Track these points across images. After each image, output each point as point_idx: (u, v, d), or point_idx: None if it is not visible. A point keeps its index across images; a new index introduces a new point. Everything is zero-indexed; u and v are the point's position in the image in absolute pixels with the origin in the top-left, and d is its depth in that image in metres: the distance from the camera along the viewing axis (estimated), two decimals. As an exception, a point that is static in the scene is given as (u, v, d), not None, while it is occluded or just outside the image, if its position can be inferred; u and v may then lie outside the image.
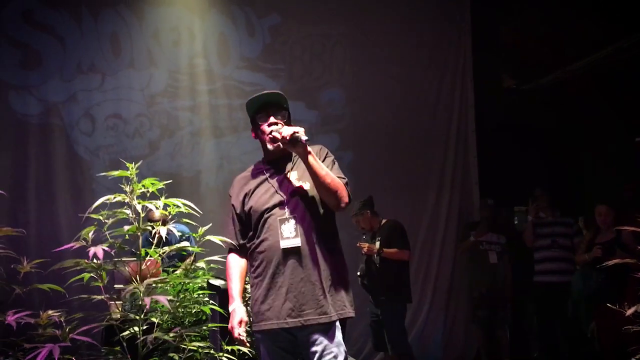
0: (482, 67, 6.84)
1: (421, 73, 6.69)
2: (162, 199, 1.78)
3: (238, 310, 2.40)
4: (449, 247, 6.51)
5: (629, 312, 1.78)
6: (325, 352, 2.36)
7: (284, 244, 2.39)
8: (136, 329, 1.71)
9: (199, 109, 6.30)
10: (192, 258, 2.12)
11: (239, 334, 2.35)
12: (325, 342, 2.36)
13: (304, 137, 2.34)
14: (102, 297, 1.71)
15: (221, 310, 2.10)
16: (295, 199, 2.47)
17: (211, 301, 2.32)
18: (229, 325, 2.37)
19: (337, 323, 2.42)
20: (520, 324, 6.17)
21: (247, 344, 2.13)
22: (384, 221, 5.18)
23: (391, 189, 6.24)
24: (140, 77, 6.20)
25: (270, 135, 2.48)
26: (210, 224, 2.22)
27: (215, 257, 2.06)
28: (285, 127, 2.44)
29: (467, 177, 6.68)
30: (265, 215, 2.45)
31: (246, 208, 2.52)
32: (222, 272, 3.90)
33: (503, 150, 6.81)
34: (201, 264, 2.07)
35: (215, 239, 2.04)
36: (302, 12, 6.55)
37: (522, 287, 5.93)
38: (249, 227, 2.53)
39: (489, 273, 5.74)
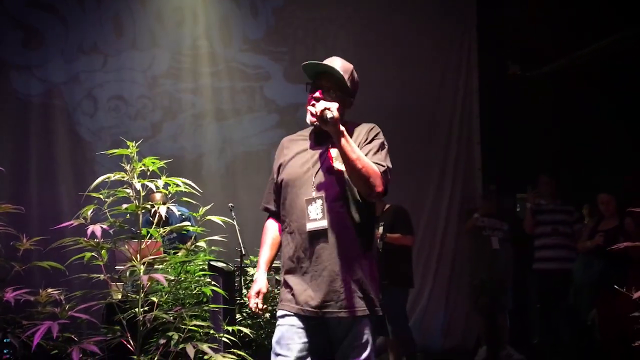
0: (487, 53, 6.80)
1: (426, 58, 6.65)
2: (163, 177, 1.76)
3: (258, 280, 2.31)
4: (450, 233, 6.50)
5: (637, 295, 1.76)
6: (347, 351, 2.23)
7: (310, 226, 2.23)
8: (136, 309, 1.70)
9: (202, 91, 6.28)
10: (193, 240, 2.11)
11: (256, 305, 2.25)
12: (347, 340, 2.23)
13: (329, 115, 2.15)
14: (103, 276, 1.70)
15: (222, 292, 2.08)
16: (329, 178, 2.29)
17: (213, 282, 2.31)
18: (248, 294, 2.29)
19: (365, 320, 2.24)
20: (521, 311, 6.18)
21: (264, 315, 2.08)
22: (387, 206, 5.16)
23: (394, 174, 6.20)
24: (143, 59, 6.19)
25: (308, 110, 2.32)
26: (212, 204, 2.20)
27: (217, 237, 2.04)
28: (321, 102, 2.23)
29: (470, 163, 6.66)
30: (294, 192, 2.30)
31: (279, 178, 2.38)
32: (223, 254, 3.94)
33: (506, 136, 6.78)
34: (202, 243, 2.05)
35: (217, 219, 2.03)
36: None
37: (523, 273, 5.93)
38: (279, 194, 2.40)
39: (490, 259, 5.73)
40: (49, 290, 1.78)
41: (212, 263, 3.30)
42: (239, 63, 6.32)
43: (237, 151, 6.17)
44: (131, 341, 1.69)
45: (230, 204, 4.59)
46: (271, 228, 2.44)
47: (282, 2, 6.49)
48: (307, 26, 6.51)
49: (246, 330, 1.93)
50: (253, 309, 2.28)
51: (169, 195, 1.82)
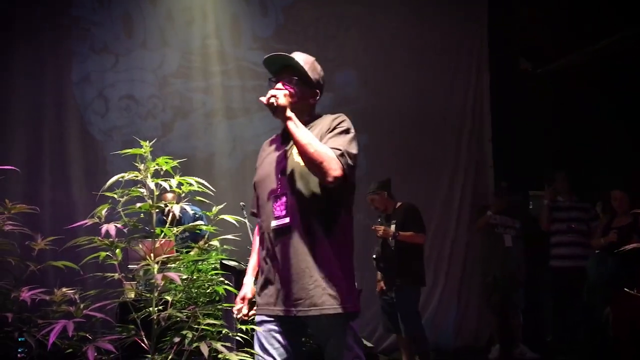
0: (497, 50, 6.77)
1: (436, 55, 6.64)
2: (177, 177, 1.76)
3: (245, 285, 2.30)
4: (462, 231, 6.49)
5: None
6: (332, 353, 2.18)
7: (274, 223, 2.20)
8: (150, 308, 1.71)
9: (212, 90, 6.30)
10: (206, 238, 2.11)
11: (238, 310, 2.24)
12: (330, 341, 2.18)
13: (273, 101, 2.16)
14: (117, 275, 1.71)
15: (235, 291, 2.08)
16: (292, 173, 2.24)
17: (226, 281, 2.31)
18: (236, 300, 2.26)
19: (342, 319, 2.17)
20: (534, 309, 6.15)
21: (248, 321, 2.08)
22: (399, 204, 5.15)
23: (405, 171, 6.21)
24: (153, 58, 6.21)
25: (259, 100, 2.26)
26: (225, 204, 2.20)
27: (229, 236, 2.04)
28: (270, 90, 2.22)
29: (482, 161, 6.64)
30: (264, 192, 2.30)
31: (254, 180, 2.40)
32: (235, 252, 3.95)
33: (518, 133, 6.74)
34: (215, 242, 2.05)
35: (230, 218, 2.03)
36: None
37: (536, 271, 5.89)
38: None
39: (503, 256, 5.70)
40: (64, 289, 1.79)
41: (224, 262, 3.30)
42: (249, 62, 6.33)
43: (248, 150, 6.17)
44: (145, 340, 1.70)
45: (241, 203, 4.59)
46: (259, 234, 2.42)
47: (292, 0, 6.50)
48: (318, 24, 6.51)
49: (259, 329, 1.92)
50: (236, 315, 2.27)
51: (182, 195, 1.82)
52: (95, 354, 1.53)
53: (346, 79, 6.46)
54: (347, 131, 2.28)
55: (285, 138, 2.34)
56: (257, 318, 2.23)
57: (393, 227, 4.94)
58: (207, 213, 2.05)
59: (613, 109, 6.77)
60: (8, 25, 5.83)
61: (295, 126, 2.18)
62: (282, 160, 2.29)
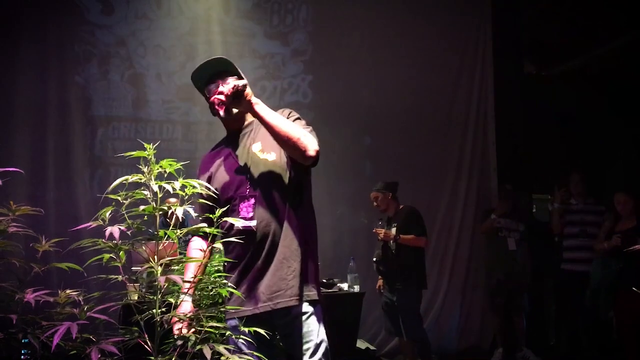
0: (502, 52, 6.77)
1: (441, 58, 6.65)
2: (180, 179, 1.77)
3: (183, 304, 2.06)
4: (466, 233, 6.49)
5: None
6: (304, 340, 2.19)
7: (239, 224, 2.18)
8: (153, 310, 1.71)
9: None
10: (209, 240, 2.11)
11: (179, 330, 1.89)
12: (302, 328, 2.19)
13: (241, 82, 2.14)
14: (120, 277, 1.71)
15: (238, 293, 2.09)
16: (258, 173, 2.26)
17: (229, 283, 2.32)
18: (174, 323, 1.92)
19: (314, 307, 2.23)
20: (538, 312, 6.14)
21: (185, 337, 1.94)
22: (400, 207, 5.15)
23: (409, 174, 6.21)
24: (160, 60, 6.25)
25: (216, 102, 2.23)
26: (228, 206, 2.22)
27: (233, 239, 2.05)
28: (228, 83, 2.21)
29: (486, 163, 6.65)
30: (232, 194, 2.26)
31: (213, 187, 2.26)
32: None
33: (522, 136, 6.74)
34: (218, 244, 2.06)
35: (233, 220, 2.04)
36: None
37: (539, 274, 5.87)
38: (214, 209, 2.18)
39: (507, 260, 5.69)
40: (68, 291, 1.80)
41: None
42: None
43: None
44: (148, 342, 1.70)
45: None
46: (195, 246, 2.31)
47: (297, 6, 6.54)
48: (323, 26, 6.53)
49: (261, 331, 1.93)
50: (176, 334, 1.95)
51: (186, 197, 1.82)
52: (99, 356, 1.54)
53: (350, 81, 6.47)
54: (299, 118, 2.33)
55: (239, 140, 2.35)
56: (230, 323, 2.18)
57: (394, 230, 4.94)
58: (212, 216, 2.05)
59: (620, 110, 6.76)
60: (13, 24, 5.85)
61: (264, 108, 2.19)
62: (248, 160, 2.29)
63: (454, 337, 6.34)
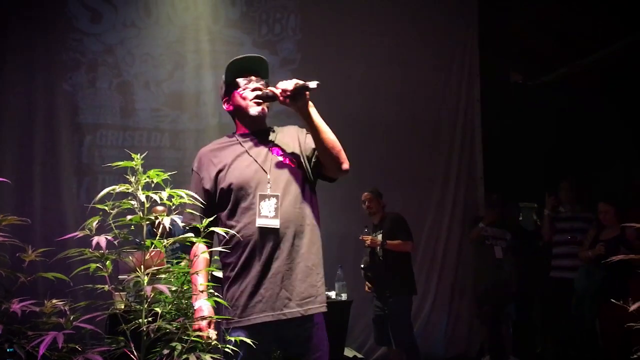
0: (489, 62, 6.84)
1: (427, 67, 6.70)
2: (167, 189, 1.78)
3: (205, 308, 2.05)
4: (453, 242, 6.52)
5: (633, 307, 1.77)
6: (317, 348, 2.18)
7: (260, 222, 2.13)
8: (140, 319, 1.72)
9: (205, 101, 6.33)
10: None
11: (208, 337, 1.89)
12: (316, 336, 2.18)
13: (312, 84, 2.13)
14: (107, 286, 1.72)
15: (225, 303, 2.09)
16: (281, 177, 2.22)
17: (215, 293, 2.32)
18: (195, 326, 1.93)
19: (318, 317, 2.22)
20: (524, 320, 6.17)
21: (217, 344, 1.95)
22: (385, 214, 5.19)
23: (396, 182, 6.24)
24: (148, 70, 6.25)
25: (258, 94, 2.28)
26: (215, 216, 2.22)
27: (219, 248, 2.06)
28: (282, 82, 2.20)
29: (473, 172, 6.69)
30: (250, 192, 2.19)
31: (223, 185, 2.22)
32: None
33: (509, 145, 6.80)
34: (205, 254, 2.07)
35: (220, 230, 2.05)
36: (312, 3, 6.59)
37: (526, 282, 5.91)
38: (220, 207, 2.24)
39: (494, 268, 5.74)
40: (54, 300, 1.80)
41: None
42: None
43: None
44: (135, 351, 1.71)
45: None
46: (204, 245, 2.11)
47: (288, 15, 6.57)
48: (312, 35, 6.56)
49: (248, 341, 1.94)
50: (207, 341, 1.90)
51: (173, 207, 1.84)
52: (85, 366, 1.54)
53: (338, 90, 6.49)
54: None
55: (255, 140, 2.31)
56: (234, 333, 2.06)
57: (380, 236, 4.97)
58: (199, 225, 2.06)
59: (607, 119, 6.84)
60: (0, 32, 5.84)
61: (316, 112, 2.20)
62: (269, 161, 2.25)
63: (442, 345, 6.36)
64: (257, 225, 2.14)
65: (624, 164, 6.73)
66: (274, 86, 2.24)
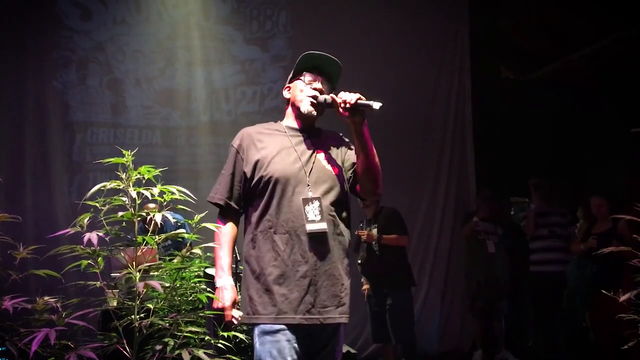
0: (479, 58, 6.84)
1: (418, 63, 6.69)
2: (159, 186, 1.78)
3: (229, 288, 2.07)
4: (445, 237, 6.53)
5: (623, 298, 1.79)
6: (334, 357, 2.17)
7: (310, 227, 2.09)
8: (132, 316, 1.72)
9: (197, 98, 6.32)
10: (188, 247, 2.12)
11: (233, 317, 2.02)
12: (328, 348, 2.15)
13: (376, 105, 2.08)
14: (98, 283, 1.72)
15: (217, 298, 2.09)
16: (322, 179, 2.19)
17: (208, 289, 2.32)
18: (219, 304, 2.01)
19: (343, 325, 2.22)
20: (516, 314, 6.20)
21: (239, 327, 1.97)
22: (379, 208, 5.18)
23: (388, 178, 6.17)
24: (140, 66, 6.22)
25: (316, 95, 2.27)
26: (207, 212, 2.22)
27: (211, 244, 2.06)
28: (346, 93, 2.15)
29: (464, 168, 6.69)
30: (289, 190, 2.15)
31: (263, 173, 2.17)
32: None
33: (500, 141, 6.82)
34: (197, 250, 2.07)
35: (212, 226, 2.04)
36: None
37: (518, 277, 5.95)
38: (253, 193, 2.19)
39: (486, 263, 5.75)
40: (46, 297, 1.79)
41: (207, 270, 3.31)
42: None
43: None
44: (127, 348, 1.71)
45: None
46: (230, 230, 2.21)
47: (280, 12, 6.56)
48: (303, 31, 6.54)
49: (241, 336, 1.94)
50: (235, 322, 2.06)
51: (164, 203, 1.83)
52: (77, 362, 1.54)
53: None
54: None
55: (304, 136, 2.29)
56: (271, 327, 2.05)
57: (374, 231, 4.97)
58: (190, 221, 2.06)
59: (598, 114, 6.87)
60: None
61: (368, 132, 2.20)
62: (312, 163, 2.22)
63: (434, 340, 6.37)
64: (307, 230, 2.10)
65: (615, 159, 6.77)
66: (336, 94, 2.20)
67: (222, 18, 6.41)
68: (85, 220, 1.76)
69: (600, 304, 4.84)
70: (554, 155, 7.21)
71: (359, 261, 5.11)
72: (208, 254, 3.69)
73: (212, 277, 3.20)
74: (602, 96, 6.89)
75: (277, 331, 2.04)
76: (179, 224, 4.84)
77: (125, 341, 1.71)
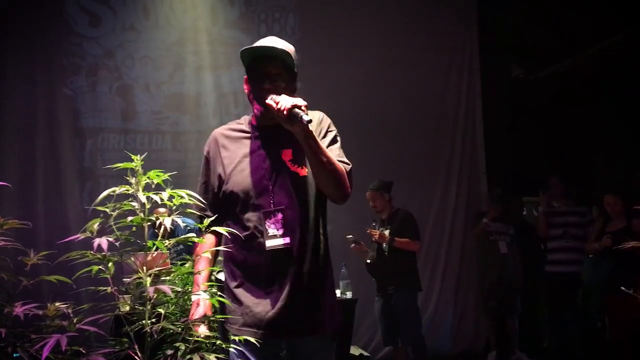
0: (489, 56, 6.82)
1: (428, 63, 6.69)
2: (168, 190, 1.77)
3: (202, 304, 1.96)
4: (457, 237, 6.51)
5: (641, 297, 1.76)
6: None
7: (270, 243, 1.98)
8: (144, 321, 1.71)
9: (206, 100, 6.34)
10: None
11: (203, 334, 1.81)
12: (306, 356, 2.05)
13: (305, 118, 1.85)
14: (110, 288, 1.72)
15: (228, 302, 2.08)
16: (287, 186, 2.02)
17: (219, 293, 2.31)
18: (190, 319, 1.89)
19: (329, 338, 2.10)
20: (531, 314, 6.16)
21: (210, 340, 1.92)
22: (394, 210, 5.16)
23: (399, 178, 6.21)
24: (149, 72, 6.25)
25: (266, 102, 1.96)
26: (216, 215, 2.21)
27: (221, 248, 2.05)
28: (284, 96, 1.92)
29: (475, 167, 6.69)
30: (249, 204, 2.02)
31: (225, 188, 2.07)
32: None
33: (511, 140, 6.78)
34: (207, 254, 2.06)
35: (222, 230, 2.03)
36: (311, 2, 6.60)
37: (532, 277, 5.91)
38: (221, 207, 2.08)
39: (499, 263, 5.73)
40: (57, 303, 1.79)
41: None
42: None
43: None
44: (139, 353, 1.70)
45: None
46: (207, 241, 2.09)
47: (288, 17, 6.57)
48: (311, 34, 6.54)
49: (253, 340, 1.93)
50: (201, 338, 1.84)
51: (174, 208, 1.83)
52: (89, 368, 1.54)
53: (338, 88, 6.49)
54: (336, 137, 2.11)
55: (269, 137, 2.07)
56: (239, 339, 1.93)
57: (387, 232, 4.95)
58: (200, 225, 2.06)
59: (608, 112, 6.82)
60: (1, 34, 5.85)
61: (315, 142, 1.93)
62: (277, 168, 2.04)
63: (448, 341, 6.34)
64: (267, 247, 1.99)
65: (625, 157, 6.72)
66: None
67: (230, 22, 6.43)
68: (95, 226, 1.76)
69: (616, 304, 4.79)
70: (566, 153, 7.15)
71: (368, 261, 5.11)
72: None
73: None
74: (614, 93, 6.83)
75: (249, 345, 1.93)
76: (189, 228, 4.84)
77: (137, 346, 1.70)
